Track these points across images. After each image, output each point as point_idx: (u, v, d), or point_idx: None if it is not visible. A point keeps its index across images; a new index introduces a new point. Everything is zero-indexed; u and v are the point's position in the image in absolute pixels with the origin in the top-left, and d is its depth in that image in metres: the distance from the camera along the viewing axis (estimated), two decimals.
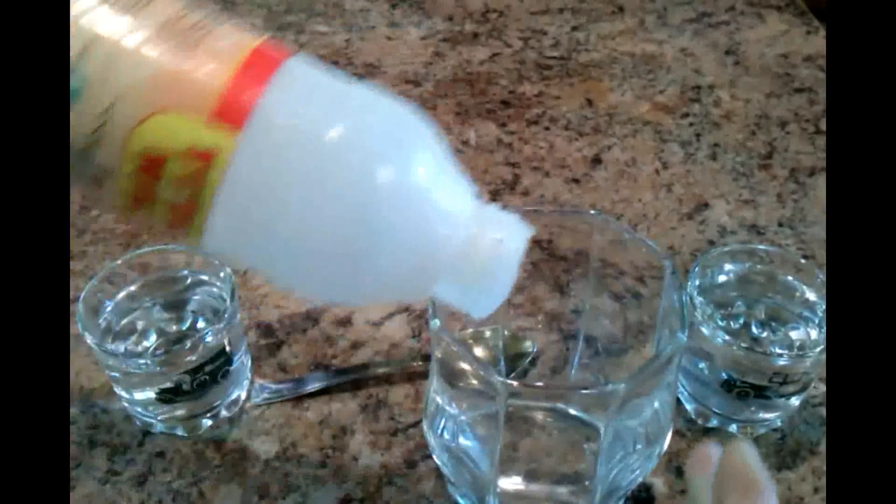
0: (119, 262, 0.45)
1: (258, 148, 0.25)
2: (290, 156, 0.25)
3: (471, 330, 0.44)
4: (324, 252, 0.26)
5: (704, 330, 0.42)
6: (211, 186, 0.25)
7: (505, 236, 0.28)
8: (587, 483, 0.36)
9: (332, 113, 0.26)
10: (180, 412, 0.44)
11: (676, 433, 0.45)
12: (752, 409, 0.44)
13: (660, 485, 0.43)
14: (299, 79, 0.26)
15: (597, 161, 0.65)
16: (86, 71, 0.24)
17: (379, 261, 0.26)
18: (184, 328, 0.46)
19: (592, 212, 0.50)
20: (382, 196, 0.25)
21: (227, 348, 0.43)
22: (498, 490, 0.36)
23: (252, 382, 0.48)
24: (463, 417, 0.37)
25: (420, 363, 0.48)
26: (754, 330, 0.45)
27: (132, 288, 0.45)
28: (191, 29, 0.25)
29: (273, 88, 0.25)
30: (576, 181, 0.63)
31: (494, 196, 0.62)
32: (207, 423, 0.45)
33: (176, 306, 0.46)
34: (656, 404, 0.35)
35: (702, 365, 0.44)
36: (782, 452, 0.44)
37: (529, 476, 0.39)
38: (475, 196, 0.28)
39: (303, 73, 0.27)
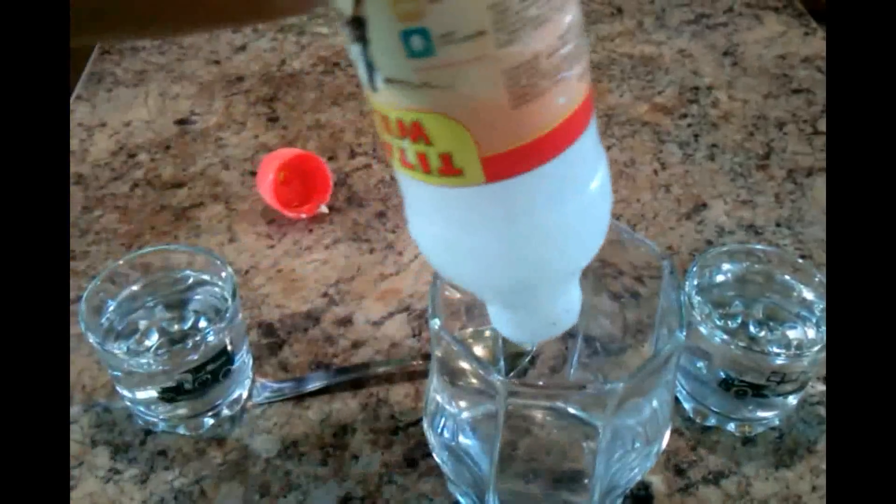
0: (121, 262, 0.45)
1: (490, 199, 0.27)
2: (510, 219, 0.28)
3: (471, 329, 0.44)
4: (481, 261, 0.30)
5: (703, 329, 0.42)
6: (432, 180, 0.27)
7: (571, 309, 0.33)
8: (586, 481, 0.36)
9: (557, 211, 0.28)
10: (182, 411, 0.44)
11: (675, 432, 0.45)
12: (750, 407, 0.44)
13: (658, 483, 0.43)
14: (562, 172, 0.28)
15: None
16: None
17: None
18: (185, 328, 0.46)
19: None
20: (548, 271, 0.31)
21: (229, 348, 0.43)
22: (497, 488, 0.37)
23: (253, 381, 0.48)
24: (463, 416, 0.37)
25: (420, 362, 0.49)
26: (752, 329, 0.46)
27: (134, 288, 0.46)
28: (543, 76, 0.25)
29: (537, 174, 0.27)
30: None
31: None
32: (209, 421, 0.45)
33: (178, 306, 0.46)
34: (655, 403, 0.36)
35: (700, 364, 0.44)
36: (780, 451, 0.45)
37: (529, 474, 0.39)
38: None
39: (569, 166, 0.28)
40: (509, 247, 0.29)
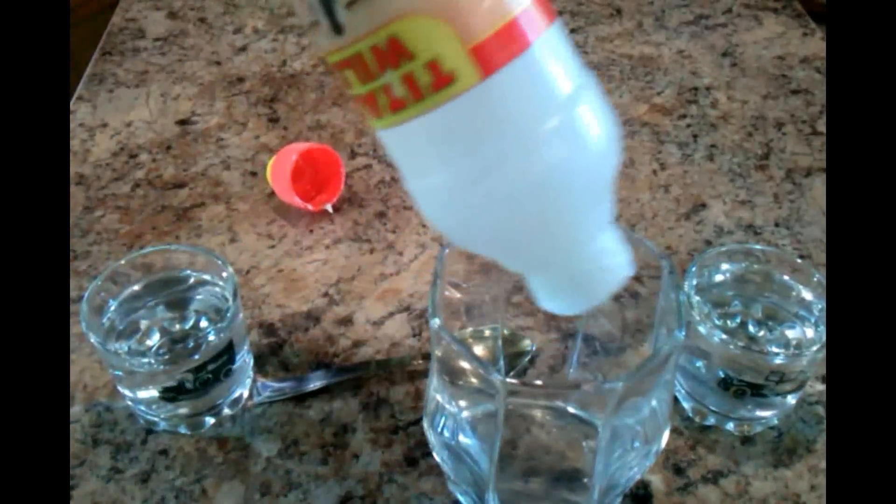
0: (122, 261, 0.45)
1: (489, 100, 0.25)
2: (513, 121, 0.26)
3: (471, 329, 0.44)
4: (499, 202, 0.27)
5: (702, 329, 0.42)
6: (427, 105, 0.25)
7: (612, 267, 0.31)
8: (585, 480, 0.37)
9: (556, 102, 0.27)
10: (183, 410, 0.44)
11: (674, 431, 0.45)
12: (749, 407, 0.44)
13: (658, 482, 0.43)
14: (550, 57, 0.27)
15: None
16: None
17: (534, 226, 0.28)
18: (187, 327, 0.46)
19: None
20: (567, 184, 0.28)
21: (230, 347, 0.44)
22: (497, 487, 0.37)
23: (254, 381, 0.48)
24: (463, 415, 0.37)
25: (420, 362, 0.49)
26: (751, 329, 0.46)
27: (135, 287, 0.46)
28: None
29: (527, 57, 0.26)
30: None
31: None
32: (210, 421, 0.46)
33: (179, 306, 0.47)
34: (654, 402, 0.36)
35: (699, 363, 0.44)
36: (779, 450, 0.45)
37: (528, 473, 0.39)
38: (612, 213, 0.31)
39: (553, 51, 0.27)
40: (525, 157, 0.26)
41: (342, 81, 0.27)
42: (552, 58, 0.27)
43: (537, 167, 0.27)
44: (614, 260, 0.31)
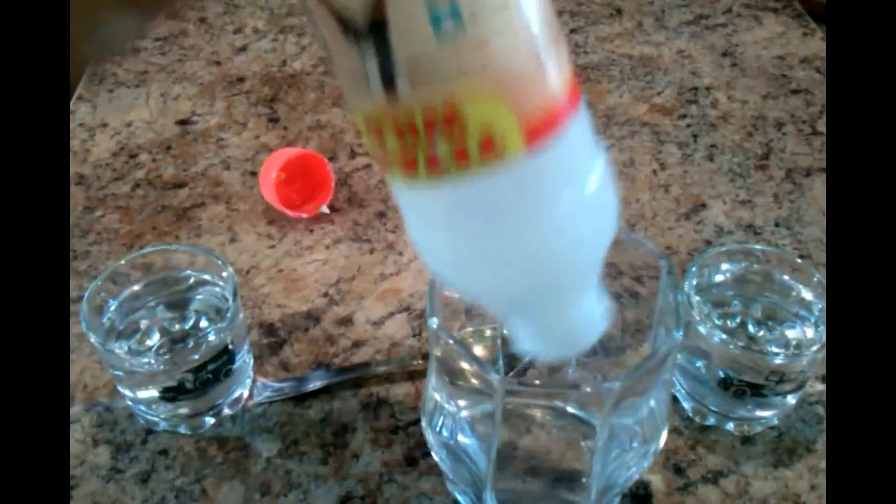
0: (122, 262, 0.45)
1: (529, 175, 0.27)
2: (547, 195, 0.28)
3: (470, 329, 0.44)
4: (511, 268, 0.29)
5: (701, 329, 0.42)
6: (470, 171, 0.26)
7: (596, 321, 0.33)
8: (584, 480, 0.37)
9: (584, 180, 0.28)
10: (183, 410, 0.44)
11: (674, 431, 0.45)
12: (749, 407, 0.44)
13: (657, 482, 0.43)
14: (583, 135, 0.28)
15: None
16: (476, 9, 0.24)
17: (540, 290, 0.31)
18: (187, 327, 0.46)
19: None
20: (583, 255, 0.30)
21: (230, 347, 0.44)
22: (496, 487, 0.37)
23: (254, 381, 0.48)
24: (461, 415, 0.37)
25: (420, 362, 0.49)
26: (751, 329, 0.46)
27: (135, 287, 0.46)
28: (554, 30, 0.26)
29: (567, 137, 0.27)
30: None
31: None
32: (210, 421, 0.46)
33: (179, 306, 0.47)
34: (652, 402, 0.36)
35: (699, 363, 0.44)
36: (779, 450, 0.45)
37: (527, 473, 0.39)
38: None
39: (585, 130, 0.28)
40: (547, 231, 0.28)
41: (374, 143, 0.27)
42: (585, 136, 0.28)
43: (561, 240, 0.28)
44: (599, 314, 0.33)
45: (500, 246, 0.28)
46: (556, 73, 0.26)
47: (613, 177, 0.30)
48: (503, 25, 0.24)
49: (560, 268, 0.30)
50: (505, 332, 0.35)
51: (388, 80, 0.24)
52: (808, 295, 0.45)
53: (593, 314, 0.33)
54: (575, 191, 0.28)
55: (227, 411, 0.46)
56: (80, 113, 0.71)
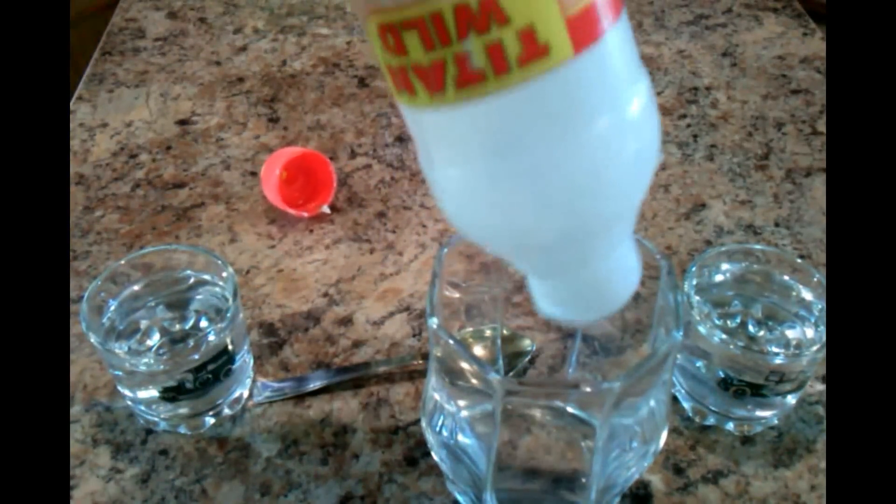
0: (122, 261, 0.45)
1: (576, 80, 0.23)
2: (594, 105, 0.24)
3: (470, 329, 0.44)
4: (550, 195, 0.25)
5: (701, 329, 0.42)
6: (511, 80, 0.22)
7: (627, 278, 0.30)
8: (584, 480, 0.37)
9: (630, 89, 0.25)
10: (183, 410, 0.44)
11: (674, 431, 0.45)
12: (749, 407, 0.44)
13: (657, 482, 0.43)
14: (627, 39, 0.25)
15: None
16: None
17: (572, 216, 0.26)
18: (187, 327, 0.46)
19: None
20: (630, 177, 0.26)
21: (230, 347, 0.44)
22: (496, 487, 0.37)
23: (254, 381, 0.48)
24: (461, 415, 0.37)
25: (420, 362, 0.49)
26: (751, 329, 0.46)
27: (135, 287, 0.46)
28: None
29: (611, 36, 0.23)
30: None
31: None
32: (210, 421, 0.46)
33: (179, 306, 0.47)
34: (652, 402, 0.36)
35: (699, 363, 0.44)
36: (779, 450, 0.45)
37: (527, 473, 0.39)
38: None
39: (628, 34, 0.25)
40: (593, 149, 0.24)
41: (389, 49, 0.23)
42: (628, 40, 0.25)
43: (607, 161, 0.25)
44: (630, 271, 0.30)
45: (541, 171, 0.24)
46: None
47: (655, 101, 0.27)
48: None
49: (603, 197, 0.26)
50: (531, 297, 0.31)
51: None
52: (808, 295, 0.45)
53: (628, 266, 0.30)
54: (620, 103, 0.24)
55: (227, 411, 0.46)
56: (80, 113, 0.71)
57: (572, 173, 0.25)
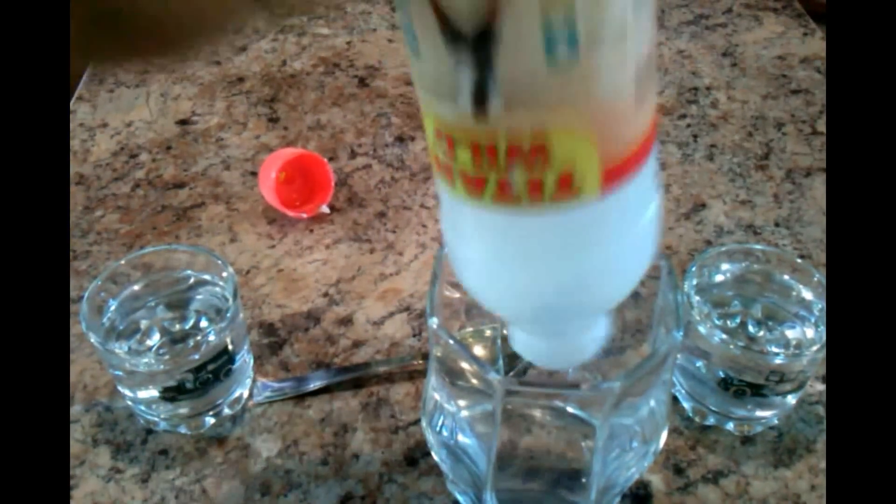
0: (122, 261, 0.45)
1: (598, 216, 0.26)
2: (608, 236, 0.27)
3: (470, 329, 0.44)
4: (551, 299, 0.29)
5: (701, 329, 0.42)
6: (541, 209, 0.25)
7: (599, 338, 0.34)
8: (584, 480, 0.37)
9: (643, 219, 0.29)
10: (183, 410, 0.44)
11: (674, 431, 0.45)
12: (749, 407, 0.44)
13: (658, 482, 0.43)
14: (651, 175, 0.28)
15: None
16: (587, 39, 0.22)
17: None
18: (187, 327, 0.46)
19: None
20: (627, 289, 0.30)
21: (230, 347, 0.44)
22: (496, 487, 0.37)
23: (254, 381, 0.48)
24: (461, 415, 0.37)
25: (420, 361, 0.49)
26: (751, 329, 0.46)
27: (135, 287, 0.46)
28: (650, 72, 0.24)
29: (638, 178, 0.26)
30: None
31: None
32: (210, 420, 0.46)
33: (179, 305, 0.47)
34: (652, 403, 0.36)
35: (699, 363, 0.44)
36: (779, 450, 0.45)
37: (527, 473, 0.39)
38: None
39: (653, 170, 0.28)
40: (597, 268, 0.28)
41: (439, 146, 0.25)
42: (652, 177, 0.28)
43: (609, 276, 0.28)
44: (603, 332, 0.34)
45: (548, 276, 0.28)
46: (645, 115, 0.25)
47: (661, 212, 0.30)
48: (616, 59, 0.22)
49: (599, 298, 0.30)
50: (507, 335, 0.35)
51: (481, 96, 0.22)
52: (808, 295, 0.45)
53: (599, 332, 0.33)
54: (632, 231, 0.28)
55: (227, 411, 0.46)
56: (80, 113, 0.71)
57: (574, 284, 0.28)
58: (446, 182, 0.27)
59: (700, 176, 0.64)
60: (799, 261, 0.46)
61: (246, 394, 0.47)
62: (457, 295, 0.40)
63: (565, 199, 0.25)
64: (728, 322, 0.46)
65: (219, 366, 0.43)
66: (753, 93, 0.73)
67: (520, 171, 0.24)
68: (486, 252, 0.29)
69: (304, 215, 0.60)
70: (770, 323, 0.46)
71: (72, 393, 0.48)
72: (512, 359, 0.46)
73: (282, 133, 0.69)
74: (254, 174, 0.65)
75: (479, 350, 0.45)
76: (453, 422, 0.37)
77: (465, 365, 0.33)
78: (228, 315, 0.43)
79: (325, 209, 0.60)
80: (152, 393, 0.43)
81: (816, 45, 0.80)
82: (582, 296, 0.29)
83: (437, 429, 0.38)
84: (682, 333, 0.33)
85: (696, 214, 0.61)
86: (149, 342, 0.45)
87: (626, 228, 0.28)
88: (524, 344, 0.34)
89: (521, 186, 0.24)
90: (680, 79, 0.75)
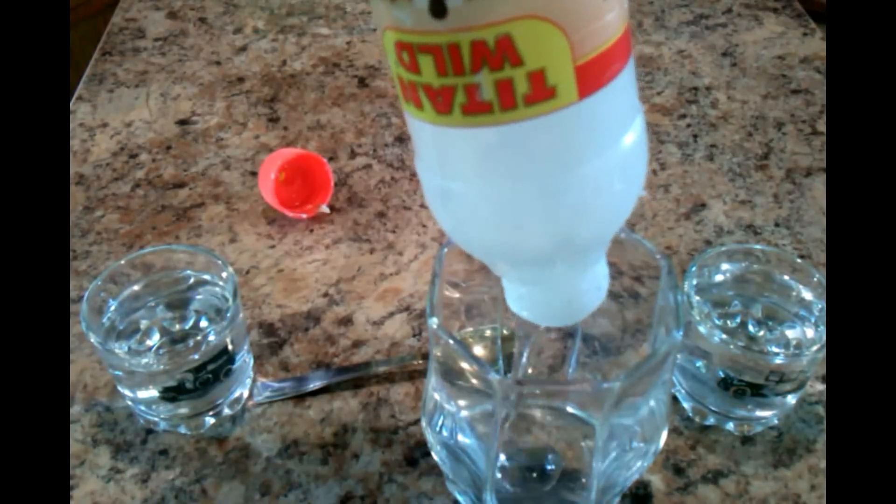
0: (122, 261, 0.45)
1: (577, 122, 0.24)
2: (587, 145, 0.26)
3: (470, 329, 0.44)
4: (539, 223, 0.27)
5: (701, 329, 0.42)
6: (515, 115, 0.23)
7: (600, 288, 0.32)
8: (583, 480, 0.37)
9: (624, 133, 0.27)
10: (183, 410, 0.44)
11: (674, 431, 0.45)
12: (749, 407, 0.44)
13: (657, 482, 0.43)
14: (629, 85, 0.26)
15: None
16: None
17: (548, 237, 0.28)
18: (187, 327, 0.46)
19: None
20: (615, 213, 0.29)
21: (230, 347, 0.44)
22: (495, 487, 0.37)
23: (254, 381, 0.48)
24: (461, 415, 0.37)
25: (420, 361, 0.49)
26: (751, 329, 0.46)
27: (135, 287, 0.46)
28: None
29: (616, 83, 0.25)
30: None
31: None
32: (210, 421, 0.46)
33: (179, 305, 0.47)
34: (652, 402, 0.36)
35: (699, 363, 0.44)
36: (779, 450, 0.45)
37: (527, 473, 0.39)
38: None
39: (631, 80, 0.26)
40: (583, 183, 0.26)
41: (402, 64, 0.24)
42: (630, 86, 0.26)
43: (595, 193, 0.26)
44: (603, 281, 0.32)
45: (531, 196, 0.26)
46: (615, 11, 0.24)
47: (646, 134, 0.28)
48: None
49: (587, 226, 0.28)
50: (506, 300, 0.33)
51: None
52: (808, 295, 0.45)
53: (599, 280, 0.32)
54: (615, 143, 0.26)
55: (227, 411, 0.46)
56: (80, 113, 0.71)
57: (561, 204, 0.26)
58: (413, 106, 0.25)
59: (700, 176, 0.64)
60: (799, 261, 0.46)
61: (246, 394, 0.47)
62: (457, 295, 0.40)
63: (540, 101, 0.23)
64: (728, 322, 0.46)
65: (219, 366, 0.43)
66: (753, 93, 0.73)
67: (487, 73, 0.22)
68: (462, 180, 0.27)
69: (304, 215, 0.60)
70: (770, 323, 0.46)
71: (72, 393, 0.48)
72: (512, 358, 0.46)
73: (282, 133, 0.69)
74: (254, 174, 0.65)
75: (479, 350, 0.45)
76: (453, 422, 0.37)
77: (465, 365, 0.33)
78: (228, 315, 0.43)
79: (324, 209, 0.60)
80: (152, 393, 0.43)
81: (816, 45, 0.80)
82: (572, 221, 0.27)
83: (437, 429, 0.38)
84: (682, 333, 0.33)
85: (696, 214, 0.61)
86: (149, 342, 0.45)
87: (612, 140, 0.26)
88: (522, 299, 0.32)
89: (490, 90, 0.23)
90: (680, 79, 0.75)
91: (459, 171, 0.27)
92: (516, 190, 0.26)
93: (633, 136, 0.27)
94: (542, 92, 0.23)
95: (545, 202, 0.26)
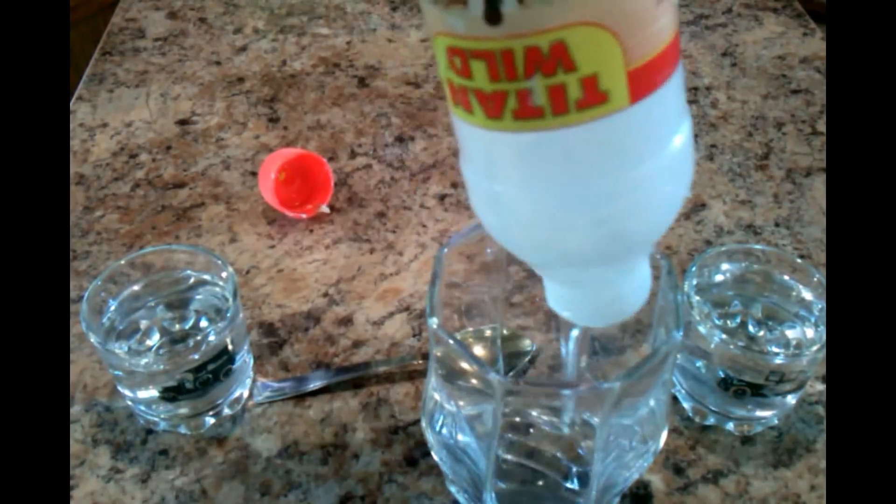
0: (122, 261, 0.45)
1: (628, 127, 0.25)
2: (638, 150, 0.26)
3: (470, 329, 0.44)
4: (588, 230, 0.27)
5: (701, 329, 0.42)
6: (568, 121, 0.24)
7: (643, 289, 0.32)
8: (584, 480, 0.37)
9: (674, 136, 0.27)
10: (183, 410, 0.44)
11: (674, 431, 0.45)
12: (749, 407, 0.44)
13: (657, 482, 0.43)
14: (679, 89, 0.27)
15: None
16: None
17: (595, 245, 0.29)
18: (187, 327, 0.46)
19: None
20: (664, 215, 0.29)
21: (230, 347, 0.44)
22: (495, 487, 0.37)
23: (254, 381, 0.48)
24: (461, 415, 0.37)
25: (420, 361, 0.49)
26: (751, 329, 0.46)
27: (135, 287, 0.46)
28: None
29: (666, 87, 0.25)
30: None
31: None
32: (210, 421, 0.46)
33: (179, 305, 0.47)
34: (652, 402, 0.36)
35: (699, 363, 0.44)
36: (779, 450, 0.45)
37: (527, 473, 0.39)
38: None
39: (681, 84, 0.27)
40: (632, 187, 0.26)
41: (454, 69, 0.24)
42: (680, 91, 0.27)
43: (644, 198, 0.27)
44: (641, 288, 0.32)
45: (582, 200, 0.26)
46: (667, 16, 0.24)
47: (693, 139, 0.28)
48: None
49: (635, 229, 0.28)
50: (548, 303, 0.33)
51: (492, 3, 0.22)
52: (808, 295, 0.45)
53: (643, 279, 0.32)
54: (664, 147, 0.26)
55: (227, 411, 0.46)
56: (80, 113, 0.71)
57: (611, 207, 0.27)
58: (463, 110, 0.25)
59: (700, 176, 0.64)
60: (799, 261, 0.46)
61: (246, 394, 0.47)
62: (457, 295, 0.40)
63: (592, 106, 0.23)
64: (728, 322, 0.46)
65: (219, 366, 0.43)
66: (753, 93, 0.73)
67: (540, 79, 0.23)
68: (512, 184, 0.27)
69: (304, 215, 0.60)
70: (770, 323, 0.46)
71: (72, 393, 0.48)
72: (512, 359, 0.46)
73: (282, 133, 0.69)
74: (254, 174, 0.65)
75: (479, 350, 0.45)
76: (453, 422, 0.37)
77: (465, 365, 0.33)
78: (228, 315, 0.43)
79: (324, 209, 0.60)
80: (152, 393, 0.43)
81: (816, 45, 0.80)
82: (620, 224, 0.27)
83: (437, 429, 0.38)
84: (681, 333, 0.33)
85: (696, 214, 0.61)
86: (149, 342, 0.45)
87: (661, 144, 0.26)
88: (564, 300, 0.32)
89: (542, 95, 0.23)
90: None
91: (509, 175, 0.27)
92: (566, 193, 0.26)
93: (682, 139, 0.27)
94: (594, 97, 0.23)
95: (595, 205, 0.26)
